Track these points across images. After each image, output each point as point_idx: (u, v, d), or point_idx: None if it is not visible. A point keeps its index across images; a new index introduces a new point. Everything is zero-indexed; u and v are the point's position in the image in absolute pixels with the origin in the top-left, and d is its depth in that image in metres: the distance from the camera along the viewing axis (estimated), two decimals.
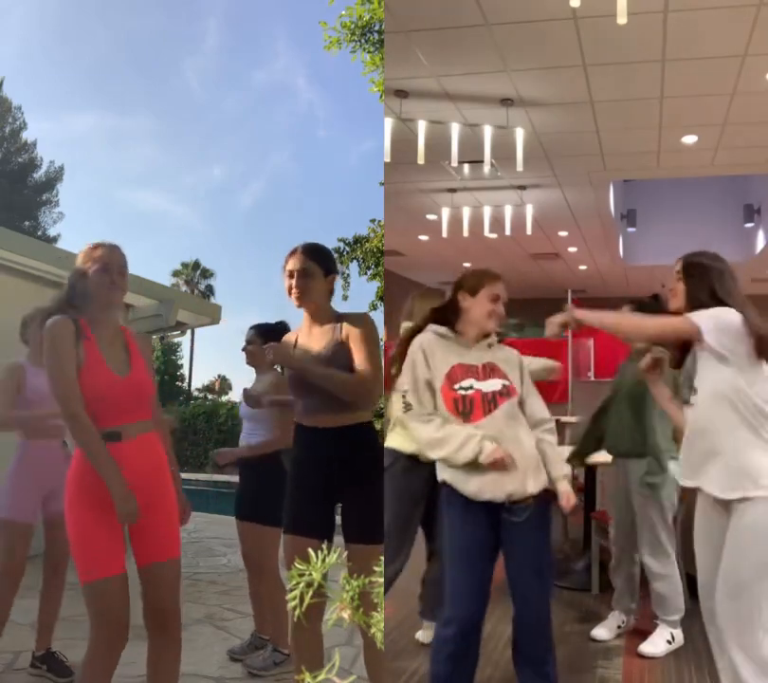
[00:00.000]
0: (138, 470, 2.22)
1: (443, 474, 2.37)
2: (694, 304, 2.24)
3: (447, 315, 2.43)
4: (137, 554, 2.26)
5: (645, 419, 3.15)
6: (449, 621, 2.33)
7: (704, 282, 2.27)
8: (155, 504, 2.25)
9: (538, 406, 2.41)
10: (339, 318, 2.55)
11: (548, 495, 2.32)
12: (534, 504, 2.29)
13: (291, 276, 2.51)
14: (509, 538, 2.31)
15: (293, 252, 2.55)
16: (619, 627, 3.29)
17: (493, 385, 2.33)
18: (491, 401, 2.31)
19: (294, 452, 2.57)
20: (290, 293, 2.52)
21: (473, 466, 2.26)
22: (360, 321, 2.52)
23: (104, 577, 2.15)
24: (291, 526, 2.48)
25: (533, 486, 2.27)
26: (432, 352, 2.39)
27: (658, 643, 3.11)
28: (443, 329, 2.42)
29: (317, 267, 2.52)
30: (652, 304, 3.28)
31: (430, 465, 3.09)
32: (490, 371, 2.35)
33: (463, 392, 2.32)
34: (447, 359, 2.37)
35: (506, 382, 2.34)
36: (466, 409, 2.30)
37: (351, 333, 2.47)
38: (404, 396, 2.39)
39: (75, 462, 2.23)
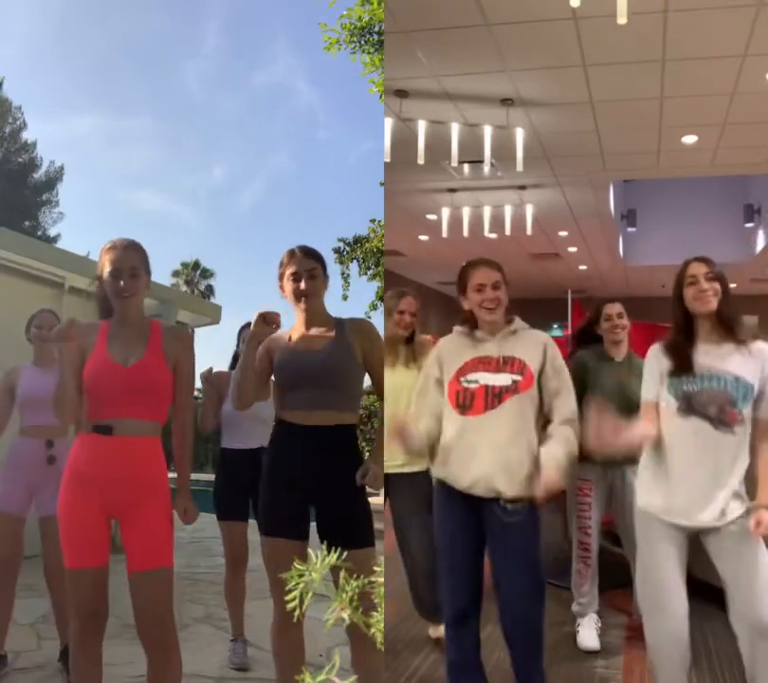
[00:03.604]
0: (127, 468, 2.20)
1: (437, 473, 2.39)
2: (727, 313, 2.23)
3: (466, 320, 2.45)
4: (127, 558, 2.21)
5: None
6: (445, 611, 2.41)
7: (729, 296, 2.26)
8: (141, 510, 2.21)
9: (560, 398, 2.33)
10: (339, 321, 2.54)
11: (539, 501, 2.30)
12: (528, 507, 2.27)
13: (297, 279, 2.47)
14: (495, 538, 2.32)
15: (292, 255, 2.50)
16: (598, 629, 3.29)
17: (502, 380, 2.30)
18: (496, 396, 2.29)
19: (272, 448, 2.48)
20: (296, 295, 2.48)
21: (464, 462, 2.29)
22: (371, 329, 2.54)
23: (84, 567, 2.17)
24: (273, 529, 2.39)
25: (518, 489, 2.25)
26: (448, 350, 2.43)
27: None
28: (463, 327, 2.45)
29: (320, 269, 2.52)
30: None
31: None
32: (505, 364, 2.32)
33: (466, 384, 2.32)
34: (461, 354, 2.39)
35: (517, 377, 2.30)
36: (465, 402, 2.31)
37: (365, 344, 2.48)
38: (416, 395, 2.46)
39: (72, 454, 2.25)
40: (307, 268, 2.47)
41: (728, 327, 2.24)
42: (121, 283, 2.25)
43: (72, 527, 2.19)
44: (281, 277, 2.52)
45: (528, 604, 2.33)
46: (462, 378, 2.34)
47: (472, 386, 2.32)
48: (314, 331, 2.51)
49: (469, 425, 2.31)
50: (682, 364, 2.26)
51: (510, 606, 2.32)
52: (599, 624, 3.32)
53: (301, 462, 2.39)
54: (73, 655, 2.23)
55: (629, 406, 3.10)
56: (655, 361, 2.34)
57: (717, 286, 2.23)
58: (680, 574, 2.24)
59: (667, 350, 2.30)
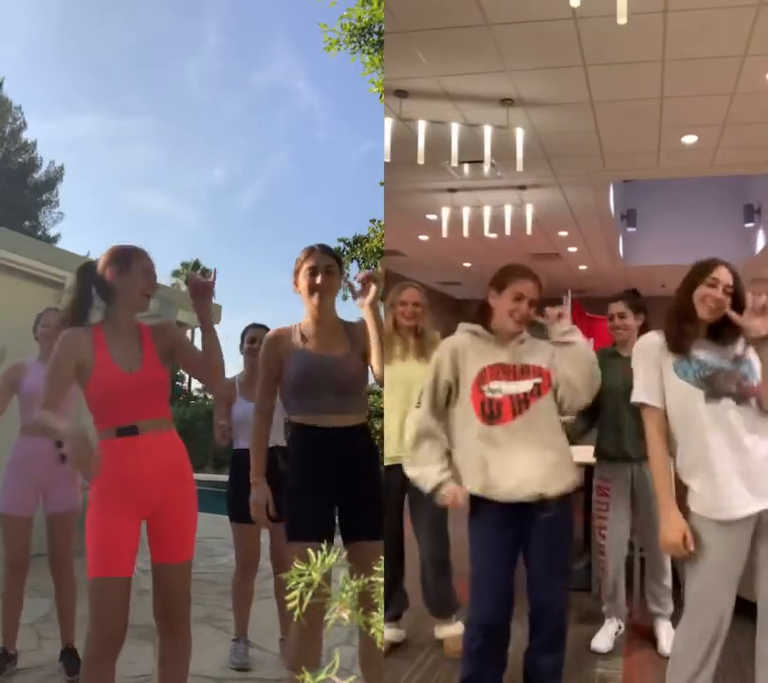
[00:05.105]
0: (153, 466, 2.24)
1: (471, 486, 2.34)
2: (730, 324, 2.18)
3: (482, 311, 2.43)
4: (151, 550, 2.29)
5: None
6: (474, 623, 2.38)
7: (742, 306, 2.20)
8: (170, 503, 2.27)
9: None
10: (347, 324, 2.56)
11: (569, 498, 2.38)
12: (561, 501, 2.34)
13: (314, 273, 2.49)
14: (535, 535, 2.34)
15: (312, 250, 2.54)
16: (616, 633, 3.26)
17: (524, 386, 2.33)
18: (522, 402, 2.31)
19: (293, 453, 2.54)
20: (312, 290, 2.50)
21: (503, 470, 2.30)
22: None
23: (109, 576, 2.16)
24: (300, 534, 2.39)
25: (558, 487, 2.32)
26: (465, 354, 2.38)
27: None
28: (477, 328, 2.41)
29: (337, 266, 2.55)
30: (637, 298, 3.29)
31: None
32: (523, 371, 2.35)
33: (490, 394, 2.32)
34: (480, 359, 2.36)
35: (538, 380, 2.34)
36: (493, 412, 2.31)
37: (372, 348, 2.49)
38: (420, 394, 2.43)
39: (102, 461, 2.23)
40: (325, 264, 2.51)
41: (718, 336, 2.20)
42: (138, 279, 2.30)
43: (104, 536, 2.19)
44: (296, 272, 2.55)
45: (560, 604, 2.42)
46: (483, 387, 2.33)
47: (497, 396, 2.32)
48: (325, 331, 2.53)
49: (500, 434, 2.31)
50: (687, 353, 2.19)
51: (539, 593, 2.39)
52: (620, 630, 3.27)
53: (327, 465, 2.44)
54: (85, 668, 2.20)
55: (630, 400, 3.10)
56: (650, 358, 2.24)
57: (729, 300, 2.17)
58: (732, 579, 2.09)
59: (668, 340, 2.21)
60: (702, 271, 2.21)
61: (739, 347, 2.20)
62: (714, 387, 2.15)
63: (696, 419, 2.15)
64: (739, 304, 2.18)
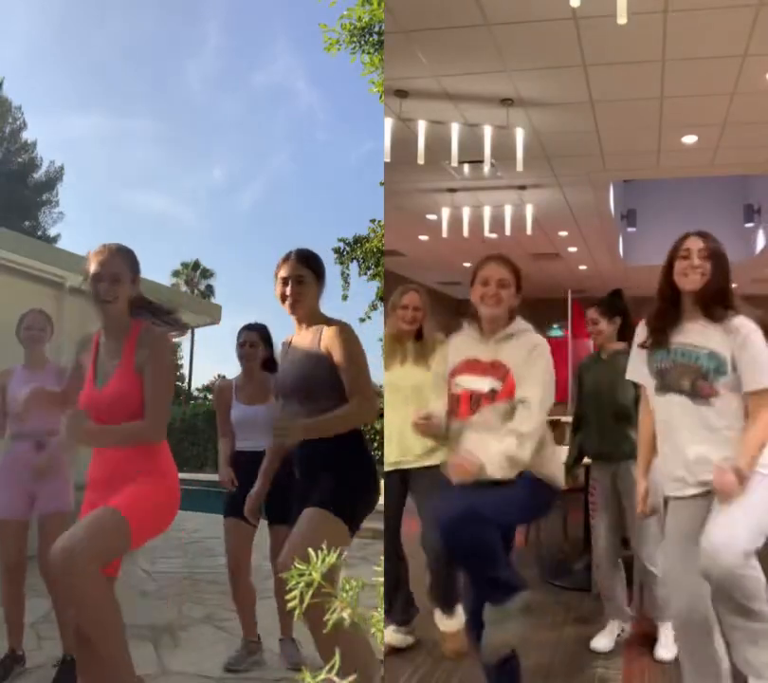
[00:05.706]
0: (113, 465, 2.24)
1: (445, 471, 2.42)
2: (712, 292, 2.19)
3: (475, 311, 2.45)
4: None
5: (632, 420, 3.04)
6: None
7: (726, 276, 2.21)
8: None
9: (519, 409, 2.21)
10: (329, 321, 2.57)
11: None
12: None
13: (285, 283, 2.51)
14: None
15: (286, 259, 2.55)
16: (618, 635, 3.24)
17: (483, 385, 2.28)
18: (476, 402, 2.29)
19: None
20: (283, 300, 2.52)
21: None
22: (337, 333, 2.47)
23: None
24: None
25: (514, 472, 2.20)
26: (455, 348, 2.46)
27: (671, 646, 2.98)
28: (468, 324, 2.46)
29: (311, 274, 2.54)
30: (614, 301, 3.30)
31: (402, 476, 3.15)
32: (491, 368, 2.31)
33: (456, 388, 2.35)
34: (461, 353, 2.40)
35: (497, 385, 2.26)
36: (452, 405, 2.36)
37: (331, 341, 2.45)
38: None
39: (93, 453, 2.33)
40: (296, 274, 2.51)
41: (707, 306, 2.20)
42: (101, 287, 2.25)
43: None
44: (274, 277, 2.58)
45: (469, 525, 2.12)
46: (453, 381, 2.37)
47: (458, 390, 2.34)
48: (298, 339, 2.57)
49: (459, 429, 2.34)
50: (657, 340, 2.26)
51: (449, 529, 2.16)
52: (622, 633, 3.24)
53: (305, 459, 2.49)
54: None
55: (607, 401, 3.14)
56: (638, 342, 2.37)
57: (709, 265, 2.19)
58: (694, 545, 2.13)
59: (646, 325, 2.31)
60: (675, 247, 2.25)
61: (719, 341, 2.17)
62: (664, 381, 2.24)
63: (654, 406, 2.32)
64: (721, 270, 2.20)
